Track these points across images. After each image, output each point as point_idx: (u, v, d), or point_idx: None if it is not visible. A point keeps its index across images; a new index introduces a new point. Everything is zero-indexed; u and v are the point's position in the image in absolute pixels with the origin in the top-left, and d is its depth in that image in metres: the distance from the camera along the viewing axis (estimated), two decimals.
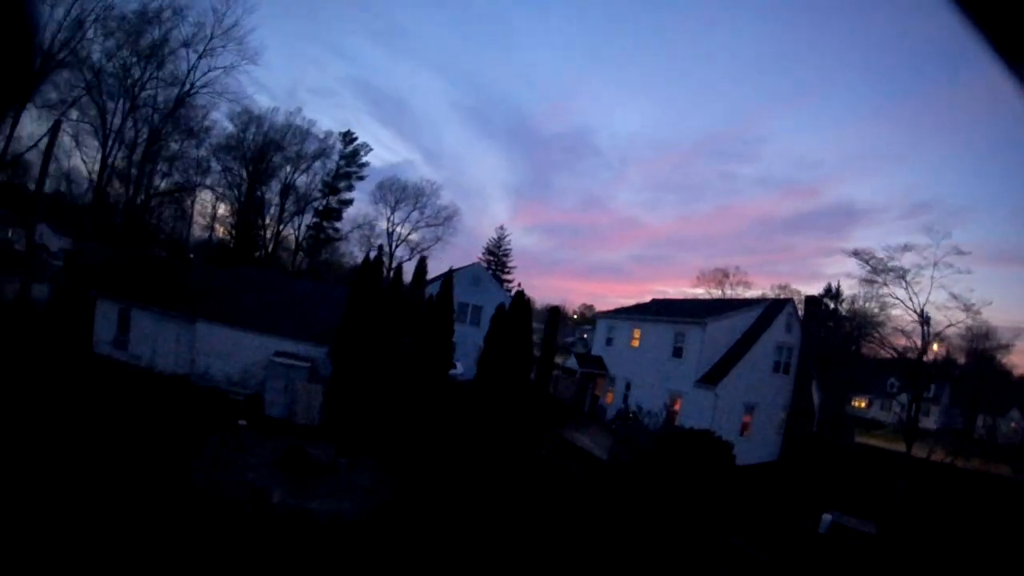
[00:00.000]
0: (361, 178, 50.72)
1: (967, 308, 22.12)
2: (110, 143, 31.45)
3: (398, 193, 50.41)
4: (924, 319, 22.27)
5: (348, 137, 49.39)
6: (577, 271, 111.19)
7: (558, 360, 33.77)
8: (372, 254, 25.54)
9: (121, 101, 31.40)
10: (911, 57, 71.92)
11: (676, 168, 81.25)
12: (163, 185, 39.30)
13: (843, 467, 24.31)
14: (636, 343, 29.35)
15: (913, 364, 23.60)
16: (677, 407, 24.78)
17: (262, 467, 15.34)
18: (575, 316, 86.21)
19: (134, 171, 33.96)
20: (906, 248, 26.10)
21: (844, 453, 26.29)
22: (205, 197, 46.29)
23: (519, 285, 25.72)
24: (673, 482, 17.74)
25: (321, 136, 47.67)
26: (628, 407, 26.72)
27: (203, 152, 40.68)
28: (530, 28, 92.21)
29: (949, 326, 22.89)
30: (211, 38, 32.55)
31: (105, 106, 30.84)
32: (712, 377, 23.78)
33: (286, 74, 75.91)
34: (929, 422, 37.82)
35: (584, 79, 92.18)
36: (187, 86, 33.06)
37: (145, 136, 33.29)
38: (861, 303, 31.90)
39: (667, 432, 19.89)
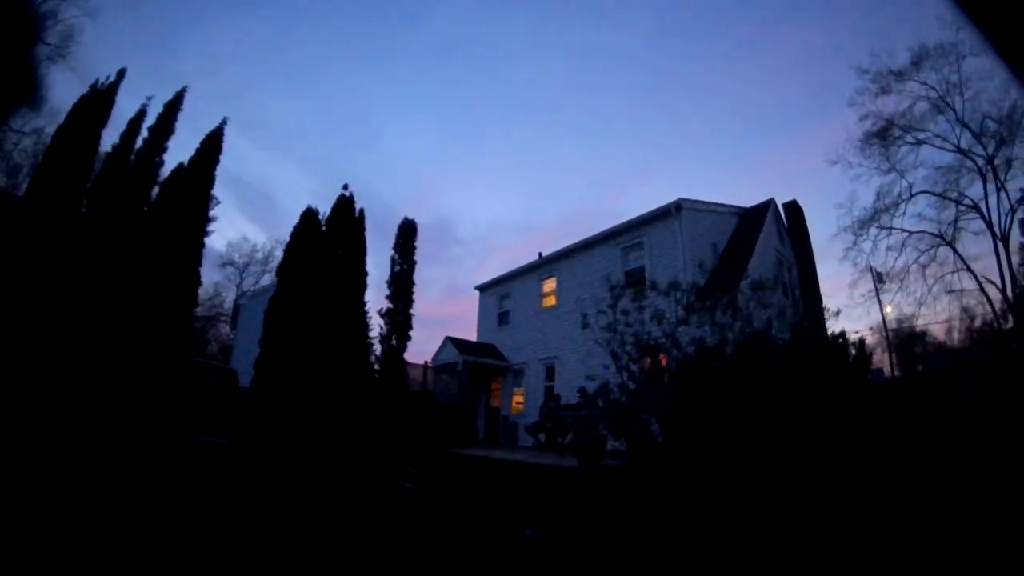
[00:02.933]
0: (207, 234, 37.88)
1: None
2: None
3: (247, 256, 41.69)
4: None
5: None
6: None
7: (413, 364, 20.84)
8: None
9: None
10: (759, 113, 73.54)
11: (540, 249, 74.34)
12: None
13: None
14: (552, 301, 17.58)
15: None
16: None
17: None
18: None
19: None
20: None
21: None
22: None
23: (346, 190, 13.19)
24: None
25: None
26: (559, 399, 14.34)
27: None
28: (391, 119, 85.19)
29: None
30: None
31: None
32: (720, 285, 12.66)
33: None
34: None
35: (445, 169, 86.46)
36: None
37: None
38: None
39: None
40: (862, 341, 7.58)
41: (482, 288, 21.39)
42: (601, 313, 9.01)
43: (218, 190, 42.81)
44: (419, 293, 14.58)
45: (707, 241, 14.94)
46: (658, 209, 14.69)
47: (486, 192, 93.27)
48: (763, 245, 15.36)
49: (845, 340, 7.29)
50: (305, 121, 78.68)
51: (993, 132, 17.19)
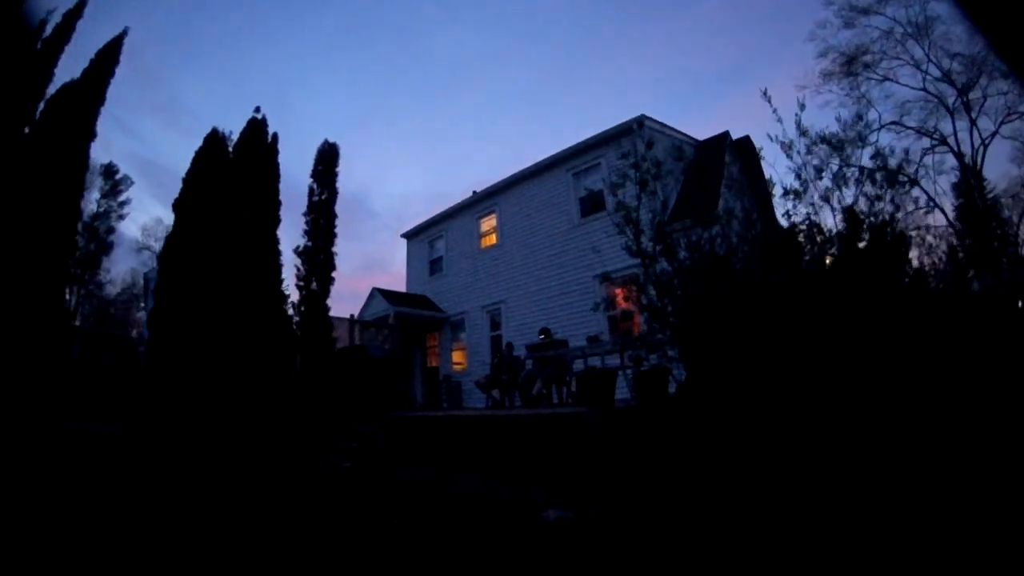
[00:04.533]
0: (122, 217, 36.83)
1: None
2: None
3: (162, 240, 36.44)
4: None
5: (110, 170, 36.13)
6: None
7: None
8: None
9: None
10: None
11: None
12: None
13: None
14: (493, 240, 15.49)
15: None
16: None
17: None
18: None
19: None
20: None
21: None
22: None
23: (258, 113, 10.41)
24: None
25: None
26: (511, 347, 12.29)
27: None
28: (303, 97, 77.60)
29: None
30: None
31: None
32: (692, 208, 11.13)
33: None
34: None
35: (358, 144, 79.68)
36: None
37: None
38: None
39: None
40: (902, 236, 6.11)
41: (409, 235, 18.83)
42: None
43: (131, 174, 37.78)
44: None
45: (667, 167, 13.36)
46: (619, 126, 12.88)
47: (399, 165, 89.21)
48: (728, 184, 14.10)
49: (902, 235, 5.80)
50: (218, 101, 71.32)
51: (962, 70, 16.86)
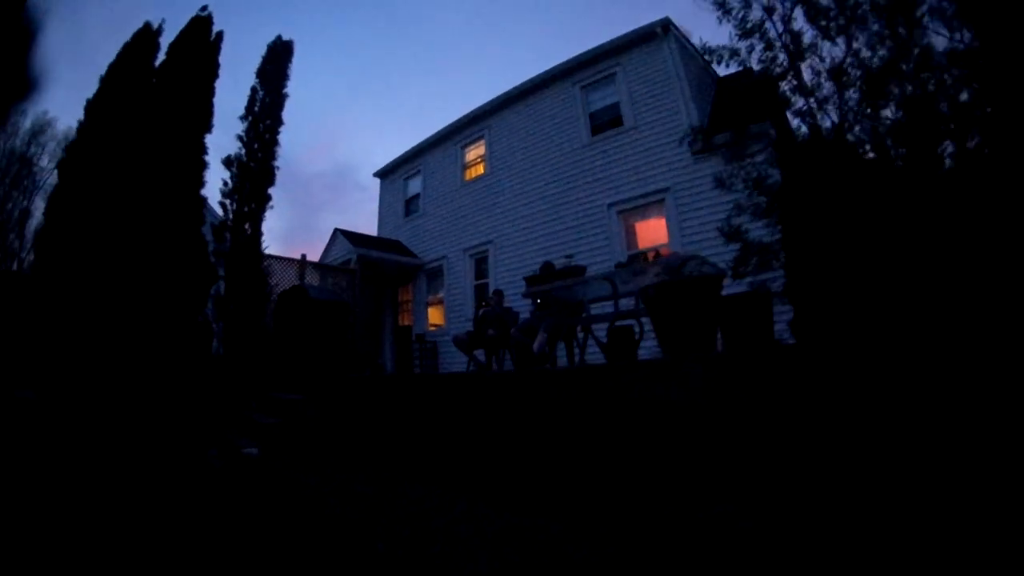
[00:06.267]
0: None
1: None
2: None
3: None
4: None
5: None
6: None
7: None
8: None
9: None
10: None
11: None
12: None
13: None
14: (480, 170, 12.77)
15: None
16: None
17: None
18: None
19: None
20: None
21: None
22: None
23: (204, 11, 7.33)
24: None
25: None
26: (501, 294, 9.60)
27: None
28: (299, 66, 72.19)
29: None
30: None
31: None
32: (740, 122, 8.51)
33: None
34: None
35: (349, 115, 78.19)
36: None
37: None
38: None
39: None
40: None
41: (383, 173, 15.94)
42: None
43: None
44: (319, 243, 9.34)
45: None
46: (637, 30, 10.13)
47: (388, 137, 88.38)
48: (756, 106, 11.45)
49: None
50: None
51: None
